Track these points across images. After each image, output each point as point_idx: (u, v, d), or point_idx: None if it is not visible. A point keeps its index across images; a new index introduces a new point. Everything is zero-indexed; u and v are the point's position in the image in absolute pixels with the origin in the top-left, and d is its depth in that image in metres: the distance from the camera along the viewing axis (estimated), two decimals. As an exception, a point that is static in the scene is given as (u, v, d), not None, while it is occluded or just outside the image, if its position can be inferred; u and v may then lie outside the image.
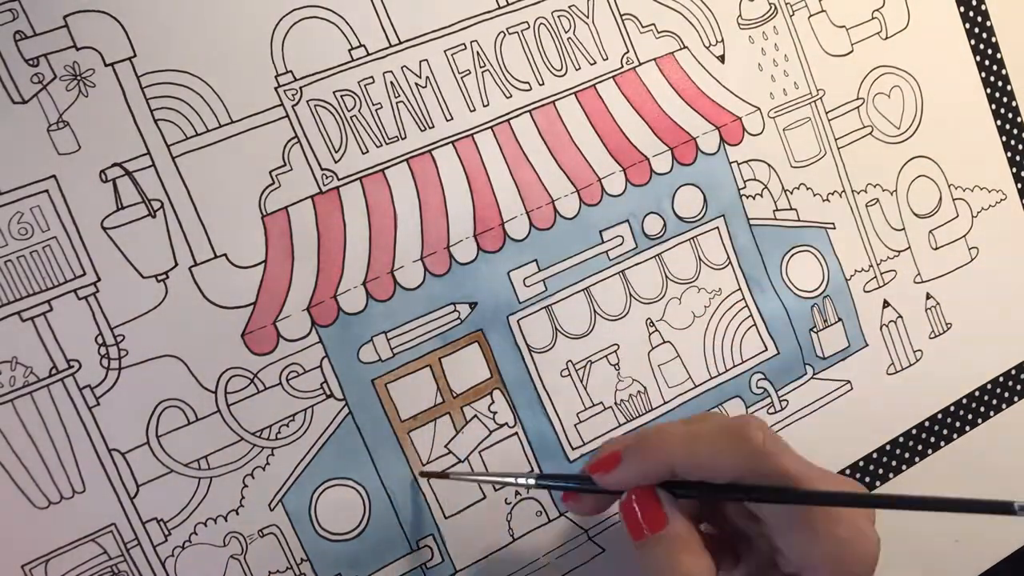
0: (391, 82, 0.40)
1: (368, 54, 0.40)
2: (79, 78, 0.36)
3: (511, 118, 0.42)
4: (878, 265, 0.48)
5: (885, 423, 0.48)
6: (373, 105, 0.40)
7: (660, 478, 0.34)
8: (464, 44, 0.41)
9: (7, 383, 0.35)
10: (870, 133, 0.48)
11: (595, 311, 0.43)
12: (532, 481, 0.37)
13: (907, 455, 0.48)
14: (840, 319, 0.47)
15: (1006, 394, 0.51)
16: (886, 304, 0.48)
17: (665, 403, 0.44)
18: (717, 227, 0.45)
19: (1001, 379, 0.51)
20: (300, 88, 0.38)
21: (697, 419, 0.36)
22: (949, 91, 0.50)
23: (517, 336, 0.41)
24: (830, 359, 0.47)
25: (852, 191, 0.48)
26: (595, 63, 0.43)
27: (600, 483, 0.35)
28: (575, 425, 0.42)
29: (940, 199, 0.49)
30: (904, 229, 0.49)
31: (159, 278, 0.37)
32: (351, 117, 0.39)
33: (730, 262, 0.45)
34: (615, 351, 0.43)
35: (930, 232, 0.49)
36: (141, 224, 0.36)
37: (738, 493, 0.33)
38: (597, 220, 0.43)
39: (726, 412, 0.45)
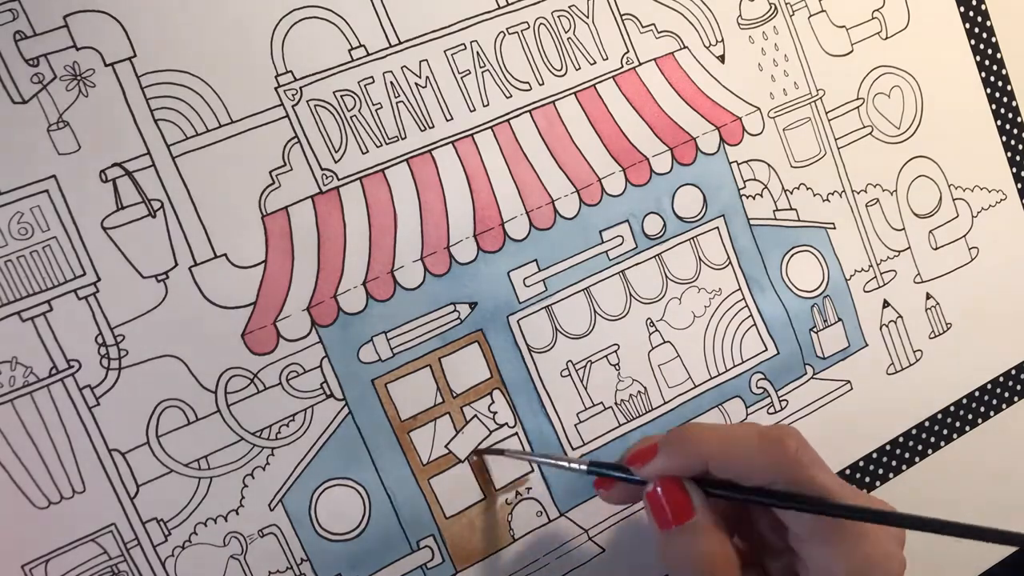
0: (391, 82, 0.40)
1: (368, 54, 0.40)
2: (79, 78, 0.36)
3: (511, 118, 0.42)
4: (878, 265, 0.48)
5: (885, 423, 0.48)
6: (373, 105, 0.40)
7: (693, 472, 0.34)
8: (464, 44, 0.41)
9: (7, 383, 0.35)
10: (870, 133, 0.48)
11: (595, 311, 0.43)
12: (584, 468, 0.37)
13: (907, 455, 0.48)
14: (840, 319, 0.47)
15: (1006, 394, 0.51)
16: (886, 304, 0.48)
17: (665, 403, 0.44)
18: (717, 227, 0.45)
19: (1001, 379, 0.51)
20: (300, 88, 0.38)
21: (735, 424, 0.36)
22: (949, 91, 0.50)
23: (517, 336, 0.41)
24: (830, 359, 0.47)
25: (852, 191, 0.48)
26: (595, 63, 0.43)
27: (637, 474, 0.35)
28: (575, 425, 0.42)
29: (940, 199, 0.50)
30: (904, 229, 0.49)
31: (159, 278, 0.37)
32: (351, 117, 0.39)
33: (730, 262, 0.45)
34: (615, 351, 0.43)
35: (930, 232, 0.49)
36: (141, 224, 0.36)
37: (770, 498, 0.33)
38: (597, 220, 0.43)
39: (726, 413, 0.45)
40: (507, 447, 0.41)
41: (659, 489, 0.34)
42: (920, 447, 0.49)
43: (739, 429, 0.34)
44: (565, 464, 0.38)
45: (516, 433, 0.41)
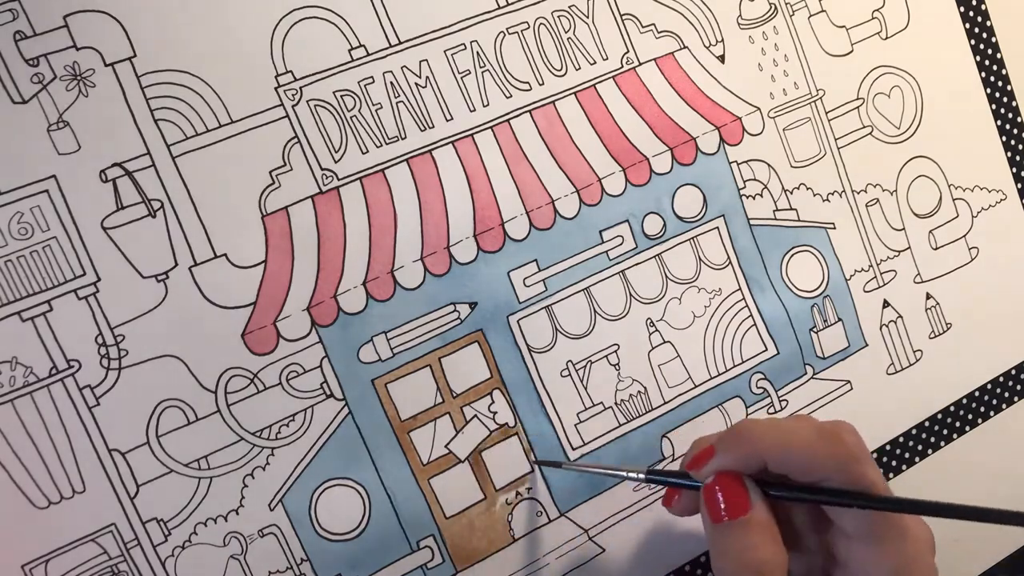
0: (391, 82, 0.40)
1: (368, 54, 0.40)
2: (79, 78, 0.36)
3: (511, 118, 0.42)
4: (878, 265, 0.48)
5: (885, 423, 0.48)
6: (373, 105, 0.40)
7: (750, 469, 0.34)
8: (464, 44, 0.41)
9: (7, 383, 0.35)
10: (870, 133, 0.48)
11: (595, 311, 0.43)
12: (642, 476, 0.37)
13: (907, 455, 0.48)
14: (840, 319, 0.47)
15: (1006, 394, 0.51)
16: (886, 304, 0.48)
17: (665, 403, 0.44)
18: (717, 227, 0.45)
19: (1001, 379, 0.51)
20: (300, 88, 0.38)
21: (786, 418, 0.36)
22: (949, 91, 0.50)
23: (517, 336, 0.41)
24: (830, 359, 0.47)
25: (852, 191, 0.48)
26: (595, 63, 0.43)
27: (696, 477, 0.35)
28: (575, 425, 0.42)
29: (940, 199, 0.49)
30: (904, 229, 0.49)
31: (159, 278, 0.37)
32: (351, 117, 0.39)
33: (730, 262, 0.45)
34: (615, 351, 0.43)
35: (930, 232, 0.49)
36: (141, 224, 0.36)
37: (839, 497, 0.32)
38: (597, 220, 0.43)
39: (726, 413, 0.45)
40: (564, 460, 0.42)
41: (716, 481, 0.33)
42: (920, 447, 0.49)
43: (795, 424, 0.34)
44: (623, 474, 0.38)
45: (516, 433, 0.41)
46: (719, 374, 0.45)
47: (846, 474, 0.32)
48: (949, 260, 0.50)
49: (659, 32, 0.44)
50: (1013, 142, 0.51)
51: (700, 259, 0.45)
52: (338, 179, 0.39)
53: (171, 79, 0.37)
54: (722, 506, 0.33)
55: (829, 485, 0.32)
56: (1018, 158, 0.51)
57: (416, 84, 0.40)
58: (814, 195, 0.47)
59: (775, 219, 0.46)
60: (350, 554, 0.39)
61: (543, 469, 0.42)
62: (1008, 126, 0.51)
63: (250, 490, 0.37)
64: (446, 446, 0.40)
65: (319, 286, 0.39)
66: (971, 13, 0.50)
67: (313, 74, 0.39)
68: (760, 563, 0.32)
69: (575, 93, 0.43)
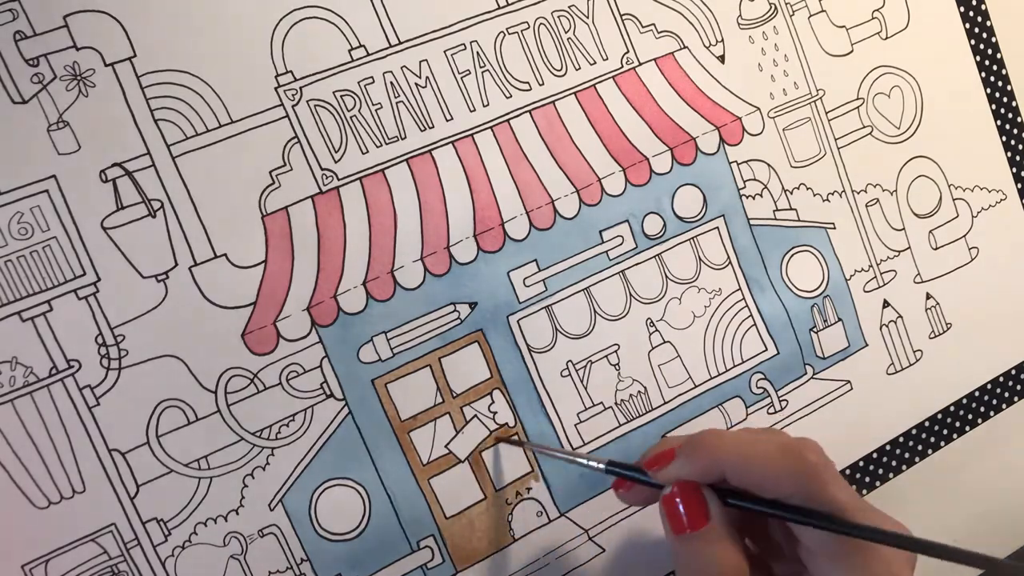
0: (391, 82, 0.40)
1: (368, 54, 0.40)
2: (79, 78, 0.36)
3: (511, 118, 0.42)
4: (878, 265, 0.48)
5: (885, 423, 0.48)
6: (373, 105, 0.40)
7: (710, 479, 0.34)
8: (464, 44, 0.41)
9: (7, 383, 0.35)
10: (870, 133, 0.48)
11: (595, 311, 0.43)
12: (602, 466, 0.37)
13: (907, 455, 0.48)
14: (840, 319, 0.47)
15: (1006, 394, 0.51)
16: (886, 304, 0.48)
17: (665, 403, 0.44)
18: (717, 227, 0.45)
19: (1001, 379, 0.51)
20: (300, 88, 0.38)
21: (756, 431, 0.36)
22: (949, 91, 0.50)
23: (517, 336, 0.41)
24: (830, 359, 0.47)
25: (852, 191, 0.48)
26: (595, 63, 0.43)
27: (653, 477, 0.35)
28: (575, 425, 0.42)
29: (940, 199, 0.50)
30: (904, 229, 0.49)
31: (159, 278, 0.37)
32: (351, 117, 0.39)
33: (730, 262, 0.45)
34: (615, 351, 0.43)
35: (930, 232, 0.49)
36: (141, 224, 0.36)
37: (787, 512, 0.32)
38: (597, 220, 0.43)
39: (726, 413, 0.45)
40: (527, 441, 0.41)
41: (676, 492, 0.34)
42: (920, 447, 0.49)
43: (760, 438, 0.34)
44: (583, 462, 0.37)
45: (516, 433, 0.41)
46: (719, 374, 0.45)
47: (805, 492, 0.32)
48: (949, 260, 0.50)
49: (659, 32, 0.44)
50: (1013, 142, 0.51)
51: (700, 259, 0.45)
52: (338, 179, 0.39)
53: (171, 79, 0.37)
54: (683, 517, 0.33)
55: (790, 502, 0.32)
56: (1018, 158, 0.51)
57: (416, 84, 0.40)
58: (814, 195, 0.47)
59: (775, 219, 0.46)
60: (350, 554, 0.39)
61: (542, 468, 0.42)
62: (1008, 126, 0.51)
63: (250, 490, 0.37)
64: (446, 446, 0.40)
65: (319, 286, 0.39)
66: (971, 13, 0.50)
67: (313, 74, 0.39)
68: (721, 573, 0.32)
69: (575, 93, 0.43)
